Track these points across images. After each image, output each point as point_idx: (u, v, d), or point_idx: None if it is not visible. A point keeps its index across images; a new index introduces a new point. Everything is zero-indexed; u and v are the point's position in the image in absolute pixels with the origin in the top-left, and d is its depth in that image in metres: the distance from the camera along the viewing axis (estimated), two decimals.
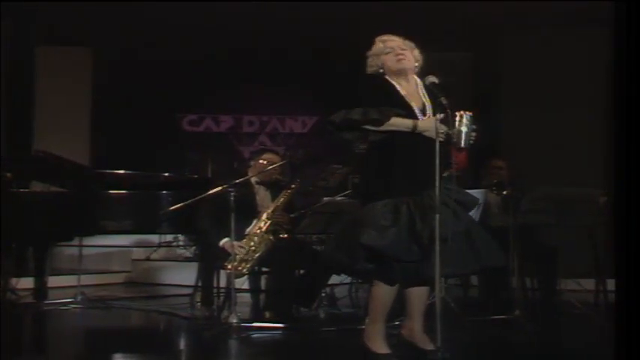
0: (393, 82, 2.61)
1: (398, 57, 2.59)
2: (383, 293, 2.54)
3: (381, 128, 2.49)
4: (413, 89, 2.60)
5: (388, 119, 2.48)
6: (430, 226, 2.37)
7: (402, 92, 2.59)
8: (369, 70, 2.66)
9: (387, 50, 2.61)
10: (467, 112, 2.49)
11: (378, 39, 2.66)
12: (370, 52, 2.66)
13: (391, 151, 2.50)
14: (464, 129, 2.47)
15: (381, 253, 2.42)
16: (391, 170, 2.50)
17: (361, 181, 2.70)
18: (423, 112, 2.55)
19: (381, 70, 2.63)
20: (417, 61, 2.64)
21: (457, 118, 2.48)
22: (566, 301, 3.89)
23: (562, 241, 3.93)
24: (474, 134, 2.50)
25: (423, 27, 2.72)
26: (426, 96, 2.59)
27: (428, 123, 2.50)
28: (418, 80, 2.62)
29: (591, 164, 5.33)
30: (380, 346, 2.56)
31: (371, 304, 2.60)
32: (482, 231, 2.60)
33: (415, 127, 2.50)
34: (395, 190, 2.48)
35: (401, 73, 2.61)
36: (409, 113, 2.53)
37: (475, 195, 3.56)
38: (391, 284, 2.54)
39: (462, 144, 2.48)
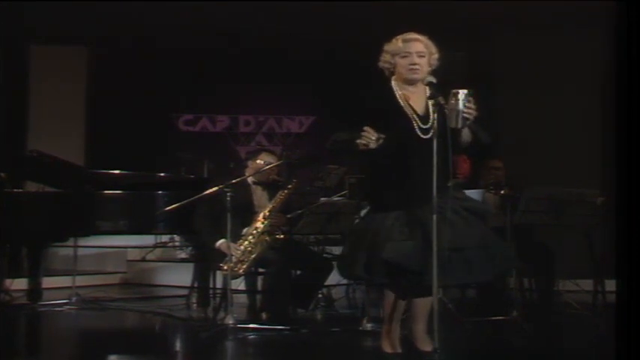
0: (397, 90, 2.56)
1: (411, 68, 2.52)
2: (394, 297, 2.57)
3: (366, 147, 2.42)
4: (419, 96, 2.54)
5: (354, 141, 2.40)
6: (445, 236, 2.34)
7: (404, 101, 2.53)
8: (381, 64, 2.60)
9: (404, 54, 2.53)
10: (463, 90, 2.36)
11: (400, 37, 2.56)
12: (386, 48, 2.58)
13: (399, 160, 2.47)
14: (460, 107, 2.35)
15: (401, 267, 2.41)
16: (401, 181, 2.48)
17: (369, 189, 2.63)
18: (425, 120, 2.50)
19: (392, 70, 2.57)
20: (431, 66, 2.55)
21: (452, 98, 2.37)
22: (564, 301, 3.89)
23: (560, 242, 3.93)
24: (469, 111, 2.36)
25: (421, 27, 2.67)
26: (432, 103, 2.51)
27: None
28: (428, 90, 2.48)
29: (589, 164, 5.33)
30: (386, 345, 2.62)
31: (383, 306, 2.64)
32: (497, 238, 2.57)
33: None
34: (405, 201, 2.46)
35: (410, 82, 2.56)
36: (405, 124, 2.49)
37: (472, 195, 3.58)
38: (403, 298, 2.56)
39: (459, 124, 2.36)
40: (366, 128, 2.39)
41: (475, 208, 2.55)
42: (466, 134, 2.49)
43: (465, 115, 2.37)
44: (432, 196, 2.34)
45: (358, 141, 2.38)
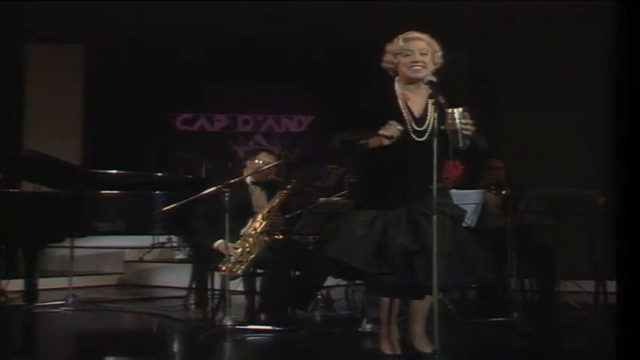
0: (398, 90, 2.55)
1: (413, 67, 2.49)
2: (390, 299, 2.57)
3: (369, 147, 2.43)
4: (420, 98, 2.53)
5: (360, 142, 2.41)
6: (402, 239, 2.37)
7: (403, 102, 2.52)
8: (384, 64, 2.59)
9: (406, 53, 2.51)
10: (457, 108, 2.34)
11: (401, 36, 2.54)
12: (388, 48, 2.56)
13: (381, 162, 2.46)
14: (458, 126, 2.33)
15: (344, 265, 2.43)
16: (379, 182, 2.48)
17: (358, 188, 2.68)
18: (421, 122, 2.49)
19: (395, 70, 2.56)
20: (435, 65, 2.53)
21: (449, 118, 2.34)
22: (565, 302, 3.87)
23: (560, 242, 3.91)
24: (467, 127, 2.34)
25: (421, 27, 2.64)
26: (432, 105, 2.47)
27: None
28: (429, 89, 2.46)
29: (590, 164, 5.32)
30: (385, 347, 2.62)
31: (380, 307, 2.64)
32: (476, 244, 2.54)
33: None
34: (383, 202, 2.46)
35: (412, 81, 2.54)
36: (400, 123, 2.45)
37: (473, 195, 3.55)
38: (380, 295, 2.56)
39: (460, 143, 2.34)
40: (391, 122, 2.37)
41: (451, 213, 2.50)
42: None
43: (464, 132, 2.35)
44: (416, 198, 2.35)
45: (381, 132, 2.35)
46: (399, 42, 2.54)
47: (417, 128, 2.48)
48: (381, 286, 2.47)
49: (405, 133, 2.46)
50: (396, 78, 2.57)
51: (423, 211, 2.38)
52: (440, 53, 2.55)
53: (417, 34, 2.54)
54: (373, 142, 2.40)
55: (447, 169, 2.97)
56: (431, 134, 2.41)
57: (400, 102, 2.52)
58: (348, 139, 2.47)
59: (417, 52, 2.51)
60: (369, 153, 2.44)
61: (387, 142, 2.37)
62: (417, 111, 2.51)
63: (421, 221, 2.39)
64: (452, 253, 2.39)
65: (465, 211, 2.74)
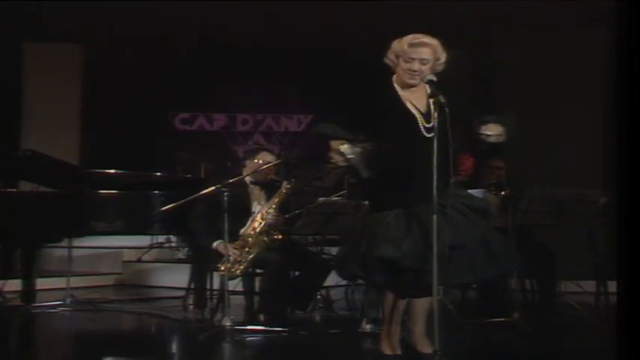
0: (398, 89, 2.56)
1: (409, 74, 2.50)
2: (393, 298, 2.57)
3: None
4: (421, 95, 2.54)
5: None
6: (447, 234, 2.35)
7: (408, 100, 2.54)
8: (386, 59, 2.58)
9: (407, 59, 2.50)
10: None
11: (408, 39, 2.51)
12: (393, 46, 2.55)
13: (402, 159, 2.47)
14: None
15: (397, 264, 2.41)
16: (400, 180, 2.47)
17: (369, 189, 2.63)
18: (427, 119, 2.49)
19: (394, 68, 2.56)
20: (434, 71, 2.52)
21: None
22: (566, 303, 3.86)
23: (562, 243, 3.90)
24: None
25: (421, 26, 2.63)
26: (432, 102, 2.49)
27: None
28: (428, 88, 2.48)
29: (591, 164, 5.31)
30: (386, 347, 2.62)
31: (383, 307, 2.63)
32: (499, 235, 2.56)
33: None
34: (406, 199, 2.45)
35: (408, 85, 2.55)
36: (411, 123, 2.48)
37: (474, 194, 3.54)
38: (402, 297, 2.56)
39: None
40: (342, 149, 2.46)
41: (476, 206, 2.54)
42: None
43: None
44: (433, 194, 2.33)
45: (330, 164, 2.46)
46: (404, 45, 2.52)
47: (426, 125, 2.49)
48: (420, 284, 2.42)
49: (416, 131, 2.48)
50: (394, 77, 2.58)
51: (453, 206, 2.40)
52: (443, 60, 2.54)
53: (423, 40, 2.51)
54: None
55: (459, 162, 2.99)
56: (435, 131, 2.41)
57: (406, 101, 2.54)
58: (325, 132, 2.53)
59: (418, 62, 2.50)
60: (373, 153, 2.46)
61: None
62: (422, 108, 2.53)
63: (454, 216, 2.40)
64: (480, 247, 2.41)
65: (489, 204, 2.75)
